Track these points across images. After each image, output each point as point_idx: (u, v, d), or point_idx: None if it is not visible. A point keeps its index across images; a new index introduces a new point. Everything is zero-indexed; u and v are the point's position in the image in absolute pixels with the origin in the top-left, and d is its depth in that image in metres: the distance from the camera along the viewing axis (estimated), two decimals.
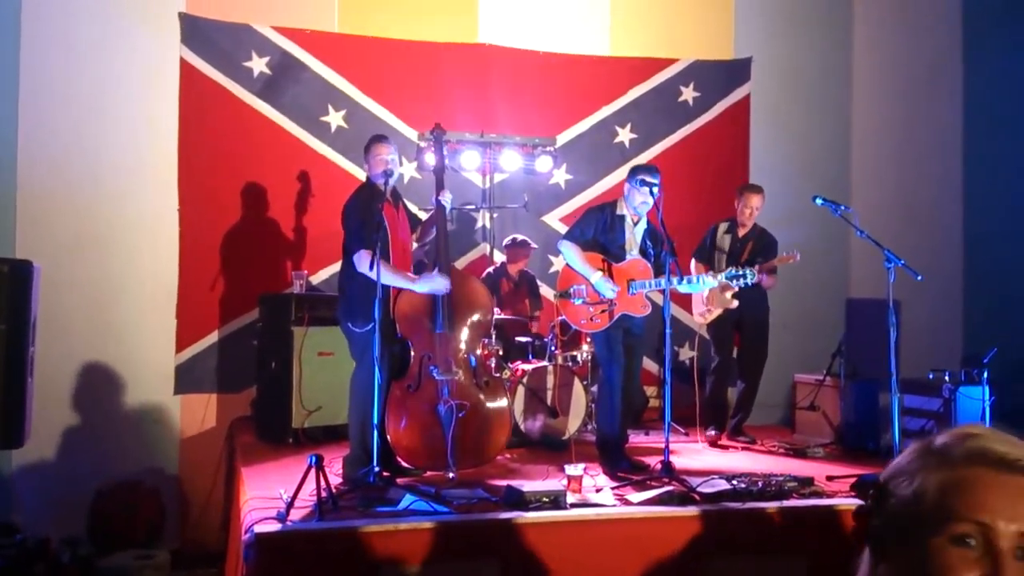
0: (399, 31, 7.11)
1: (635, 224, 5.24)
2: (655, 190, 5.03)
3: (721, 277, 5.18)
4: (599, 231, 5.23)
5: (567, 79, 7.50)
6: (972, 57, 8.00)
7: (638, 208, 5.18)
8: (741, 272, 5.09)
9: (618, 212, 5.26)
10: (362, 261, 4.61)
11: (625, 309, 5.09)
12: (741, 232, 6.24)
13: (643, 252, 5.23)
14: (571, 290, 5.21)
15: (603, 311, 5.10)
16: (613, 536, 3.97)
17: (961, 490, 1.17)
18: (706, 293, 6.18)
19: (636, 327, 5.21)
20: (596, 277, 5.09)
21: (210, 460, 6.31)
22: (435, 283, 4.75)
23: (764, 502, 4.22)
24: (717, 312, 6.17)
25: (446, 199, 5.03)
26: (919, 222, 7.85)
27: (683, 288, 5.12)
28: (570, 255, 5.21)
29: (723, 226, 6.34)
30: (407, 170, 7.05)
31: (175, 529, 6.34)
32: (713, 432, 6.17)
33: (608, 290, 5.06)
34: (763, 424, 7.16)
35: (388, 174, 4.80)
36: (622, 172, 6.68)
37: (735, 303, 6.09)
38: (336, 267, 6.60)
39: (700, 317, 6.31)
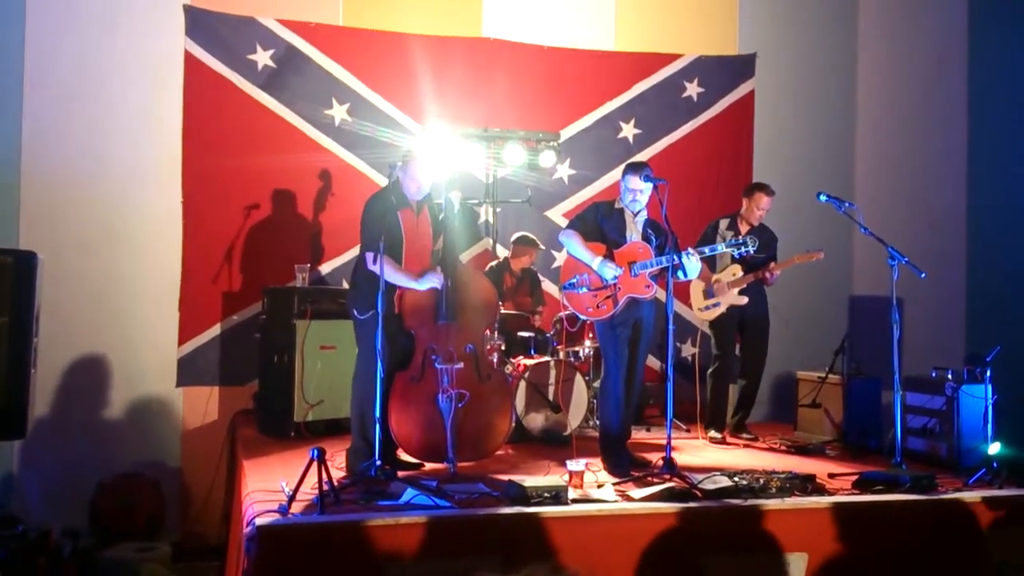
0: (403, 25, 7.10)
1: (635, 215, 5.26)
2: (643, 184, 5.10)
3: (721, 247, 5.31)
4: (600, 219, 5.26)
5: (571, 74, 7.48)
6: (977, 53, 7.97)
7: (630, 205, 5.21)
8: (741, 240, 5.20)
9: (616, 207, 5.31)
10: (369, 262, 4.73)
11: (630, 291, 5.09)
12: (744, 229, 6.23)
13: (645, 240, 5.23)
14: (574, 280, 5.21)
15: (607, 296, 5.11)
16: (614, 532, 3.96)
17: None
18: (712, 281, 6.15)
19: (645, 320, 5.20)
20: (597, 262, 5.10)
21: (212, 453, 6.31)
22: (433, 280, 4.81)
23: (766, 499, 4.22)
24: (721, 309, 6.16)
25: (455, 197, 5.04)
26: (923, 219, 7.83)
27: (691, 263, 5.06)
28: (572, 243, 5.22)
29: (724, 222, 6.32)
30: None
31: (176, 521, 6.35)
32: (715, 434, 6.17)
33: (610, 271, 5.06)
34: (765, 421, 7.17)
35: (415, 193, 4.88)
36: None
37: (744, 299, 6.09)
38: (339, 260, 6.68)
39: (702, 313, 6.27)
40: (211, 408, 6.58)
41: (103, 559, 5.51)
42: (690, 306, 6.55)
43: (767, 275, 6.11)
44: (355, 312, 4.79)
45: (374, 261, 4.57)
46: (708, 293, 6.21)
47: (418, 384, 4.78)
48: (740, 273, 6.15)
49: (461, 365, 4.79)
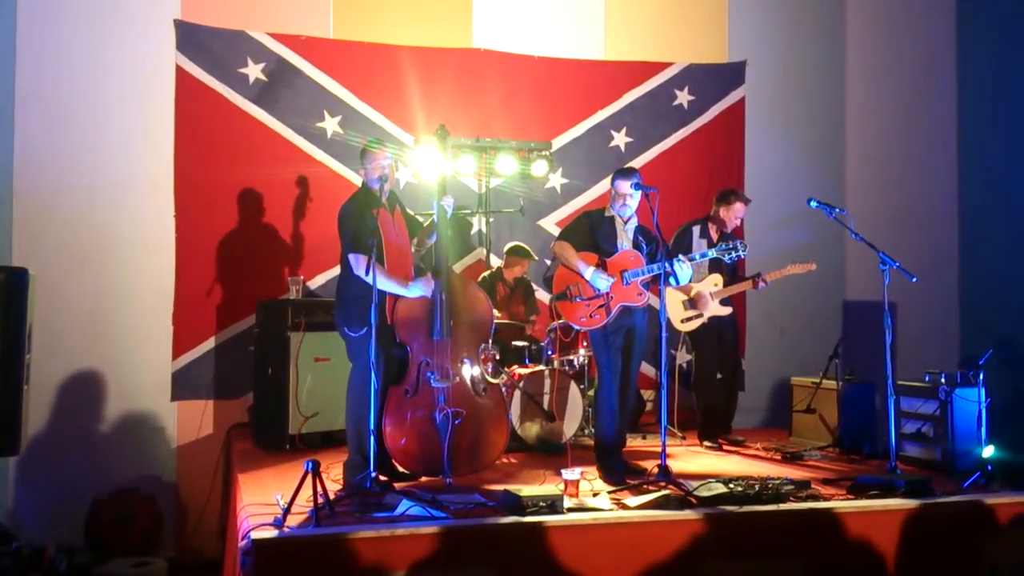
0: (394, 37, 7.11)
1: (625, 223, 5.26)
2: (631, 189, 5.11)
3: (712, 252, 5.31)
4: (591, 229, 5.27)
5: (562, 83, 7.50)
6: (966, 58, 8.04)
7: (620, 211, 5.22)
8: (732, 245, 5.22)
9: (607, 214, 5.32)
10: (358, 266, 4.62)
11: (622, 300, 5.10)
12: (715, 236, 6.23)
13: (636, 247, 5.24)
14: (567, 290, 5.22)
15: (600, 305, 5.11)
16: (610, 540, 3.97)
17: None
18: (693, 292, 6.13)
19: (638, 328, 5.21)
20: (590, 272, 5.11)
21: (207, 467, 6.30)
22: (421, 288, 4.75)
23: (761, 505, 4.22)
24: (703, 320, 6.15)
25: (447, 203, 5.01)
26: (914, 224, 7.87)
27: (683, 270, 5.04)
28: (564, 254, 5.23)
29: (696, 229, 6.31)
30: (403, 175, 7.04)
31: (172, 536, 6.33)
32: (708, 444, 6.17)
33: (603, 282, 5.07)
34: (760, 427, 7.17)
35: (383, 179, 4.80)
36: None
37: (728, 310, 6.11)
38: (332, 272, 6.66)
39: (683, 324, 6.23)
40: (206, 422, 6.56)
41: (99, 575, 5.48)
42: None
43: (758, 284, 6.11)
44: (346, 330, 4.73)
45: (366, 271, 4.47)
46: (688, 304, 6.18)
47: (413, 399, 4.74)
48: (721, 283, 6.14)
49: (457, 380, 4.79)
